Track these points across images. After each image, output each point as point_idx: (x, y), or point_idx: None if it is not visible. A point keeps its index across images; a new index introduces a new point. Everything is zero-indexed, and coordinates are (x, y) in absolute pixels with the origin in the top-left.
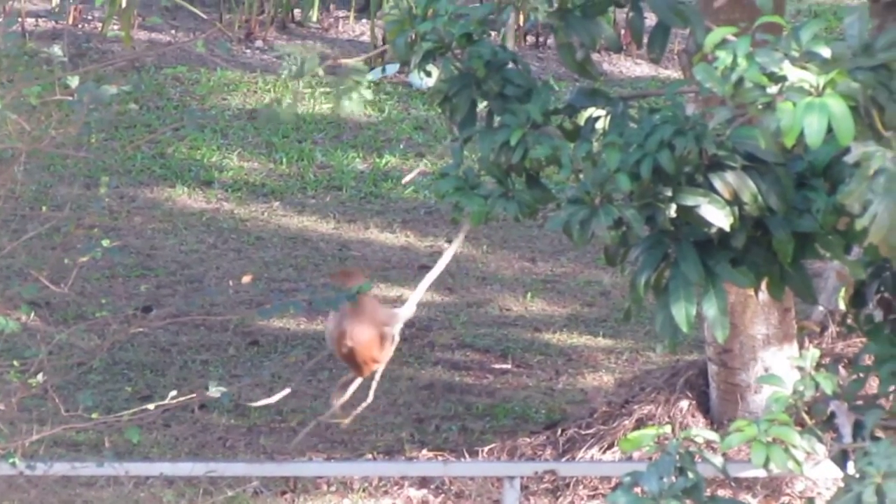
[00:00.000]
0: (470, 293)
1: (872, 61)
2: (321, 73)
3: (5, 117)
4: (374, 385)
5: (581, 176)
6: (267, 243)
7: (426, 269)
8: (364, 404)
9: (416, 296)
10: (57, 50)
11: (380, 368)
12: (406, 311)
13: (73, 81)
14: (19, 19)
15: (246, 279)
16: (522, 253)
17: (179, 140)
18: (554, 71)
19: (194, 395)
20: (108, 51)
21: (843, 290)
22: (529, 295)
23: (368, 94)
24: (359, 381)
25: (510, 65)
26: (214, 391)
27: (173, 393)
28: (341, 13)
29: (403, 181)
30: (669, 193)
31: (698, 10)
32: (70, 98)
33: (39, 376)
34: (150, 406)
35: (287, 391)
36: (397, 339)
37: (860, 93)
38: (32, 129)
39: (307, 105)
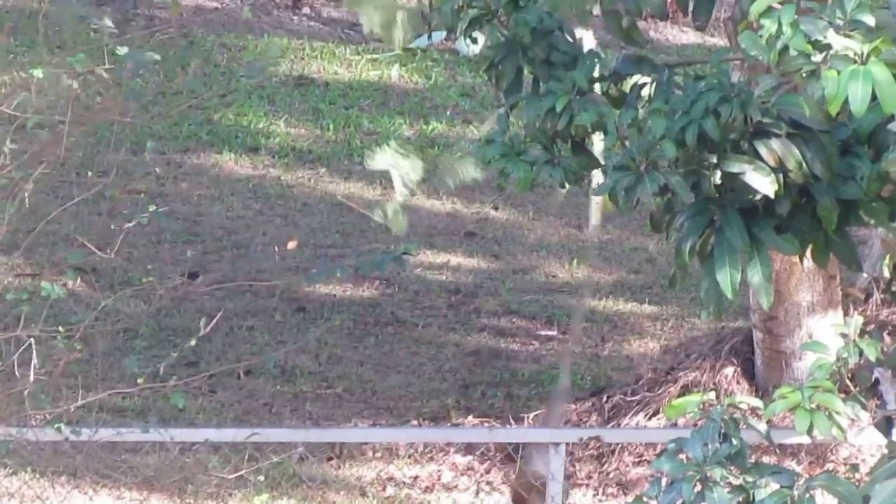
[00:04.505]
0: (516, 259)
1: None
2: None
3: (55, 86)
4: None
5: (626, 143)
6: (313, 209)
7: (472, 235)
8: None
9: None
10: (107, 21)
11: None
12: None
13: (122, 51)
14: None
15: (292, 245)
16: (568, 220)
17: (226, 106)
18: (600, 38)
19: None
20: (155, 17)
21: (888, 257)
22: (575, 262)
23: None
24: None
25: (556, 32)
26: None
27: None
28: None
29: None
30: (714, 160)
31: None
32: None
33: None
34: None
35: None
36: None
37: None
38: (79, 95)
39: (353, 71)
